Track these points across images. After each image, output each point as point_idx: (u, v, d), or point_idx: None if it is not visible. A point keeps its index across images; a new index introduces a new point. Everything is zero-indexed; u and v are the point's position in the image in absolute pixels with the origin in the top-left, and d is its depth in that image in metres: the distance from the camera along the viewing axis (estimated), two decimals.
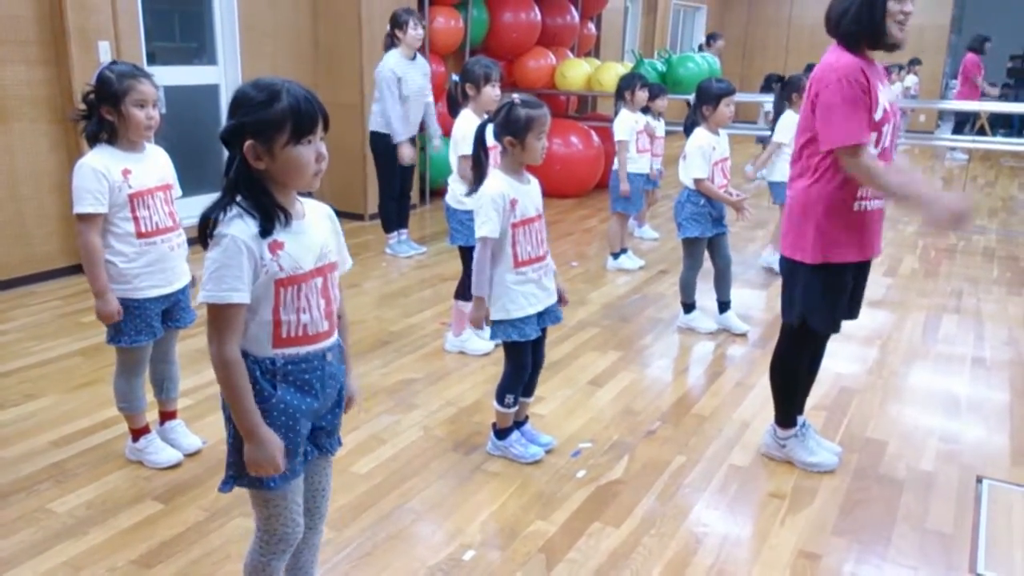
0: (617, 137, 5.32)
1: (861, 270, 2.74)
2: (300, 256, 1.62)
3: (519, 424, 2.94)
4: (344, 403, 1.83)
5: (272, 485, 1.66)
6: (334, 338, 1.73)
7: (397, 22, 5.23)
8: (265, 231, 1.56)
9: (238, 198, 1.56)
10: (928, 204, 2.35)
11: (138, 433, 2.77)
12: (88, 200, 2.43)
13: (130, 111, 2.43)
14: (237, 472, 1.67)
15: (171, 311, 2.68)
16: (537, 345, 2.83)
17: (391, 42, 5.29)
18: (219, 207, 1.57)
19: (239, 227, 1.54)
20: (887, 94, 2.52)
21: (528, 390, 2.92)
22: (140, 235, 2.53)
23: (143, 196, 2.52)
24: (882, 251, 2.75)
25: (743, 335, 4.24)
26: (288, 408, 1.64)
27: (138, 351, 2.65)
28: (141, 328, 2.58)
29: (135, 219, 2.52)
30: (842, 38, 2.51)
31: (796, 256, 2.64)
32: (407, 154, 5.31)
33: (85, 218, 2.45)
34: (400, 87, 5.22)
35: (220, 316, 1.55)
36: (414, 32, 5.21)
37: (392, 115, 5.24)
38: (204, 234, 1.57)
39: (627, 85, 5.39)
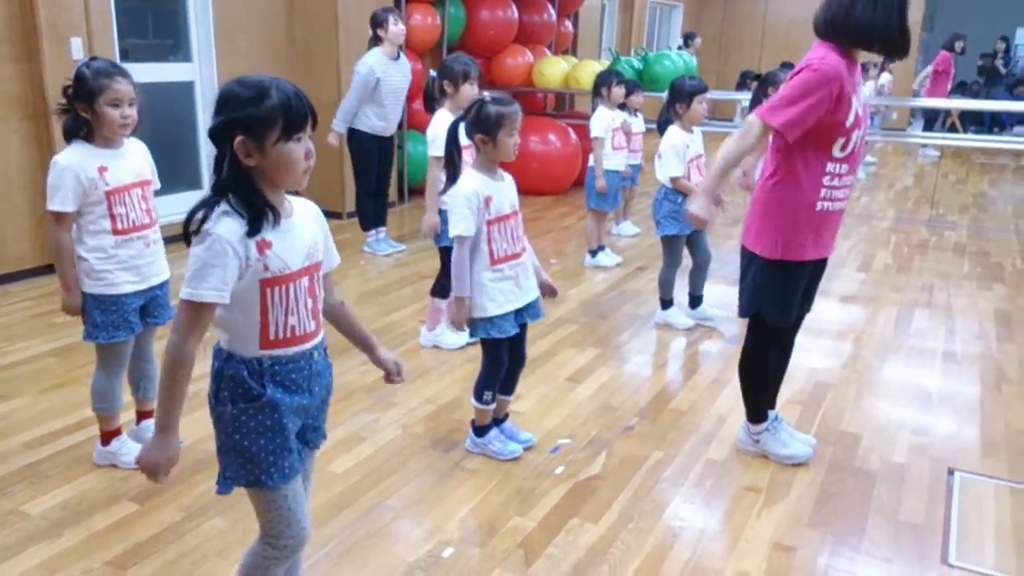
0: (593, 134, 5.34)
1: (817, 266, 2.77)
2: (288, 256, 1.61)
3: (499, 422, 2.95)
4: (329, 398, 1.82)
5: (271, 484, 1.65)
6: (320, 336, 1.73)
7: (377, 21, 5.20)
8: (253, 230, 1.55)
9: (228, 196, 1.55)
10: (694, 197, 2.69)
11: (109, 436, 2.73)
12: (58, 198, 2.42)
13: (104, 110, 2.40)
14: (235, 473, 1.66)
15: (148, 307, 2.65)
16: (518, 343, 2.83)
17: (374, 44, 5.27)
18: (208, 204, 1.55)
19: (226, 226, 1.53)
20: (859, 100, 2.53)
21: (508, 388, 2.92)
22: (116, 232, 2.51)
23: (120, 193, 2.50)
24: (834, 250, 2.79)
25: (720, 325, 4.31)
26: (279, 406, 1.64)
27: (117, 347, 2.62)
28: (118, 323, 2.56)
29: (112, 216, 2.49)
30: (844, 36, 2.45)
31: (756, 249, 2.67)
32: (332, 138, 5.30)
33: (55, 215, 2.44)
34: (379, 87, 5.20)
35: (193, 312, 1.54)
36: (396, 28, 5.19)
37: (346, 107, 5.24)
38: (188, 231, 1.54)
39: (603, 82, 5.41)
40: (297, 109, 1.55)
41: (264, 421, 1.62)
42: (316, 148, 1.66)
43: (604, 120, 5.33)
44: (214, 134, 1.54)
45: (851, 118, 2.48)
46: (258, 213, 1.56)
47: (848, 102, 2.46)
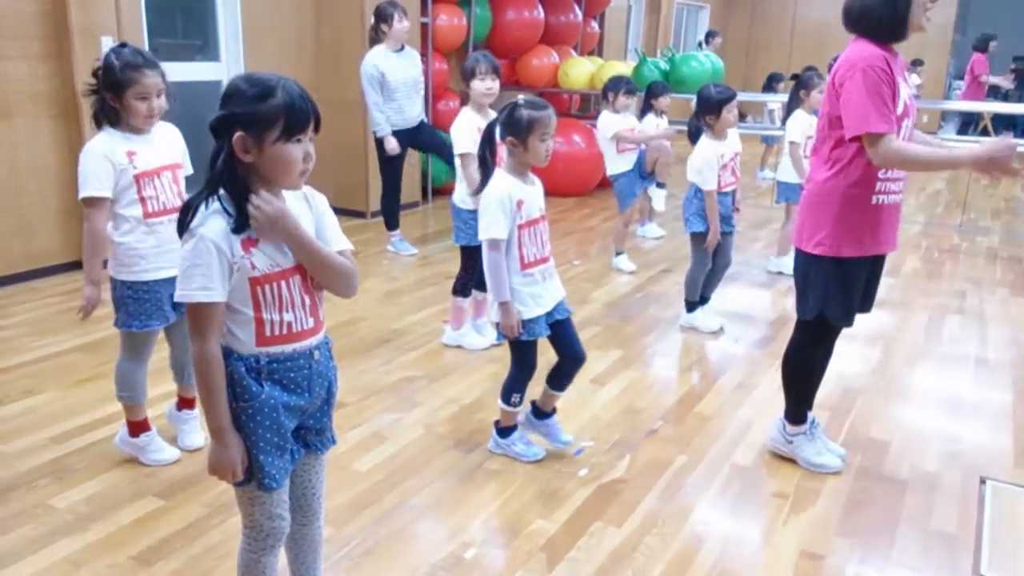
0: (599, 136, 5.31)
1: (876, 264, 2.72)
2: (276, 254, 1.59)
3: (546, 415, 2.91)
4: (333, 401, 1.79)
5: (272, 487, 1.65)
6: (321, 335, 1.71)
7: (382, 16, 5.16)
8: (239, 227, 1.54)
9: (220, 191, 1.55)
10: (970, 160, 2.37)
11: (137, 427, 2.73)
12: (92, 184, 2.42)
13: (131, 103, 2.41)
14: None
15: None
16: (571, 341, 2.78)
17: (375, 36, 5.23)
18: (201, 198, 1.55)
19: (212, 225, 1.53)
20: (907, 89, 2.51)
21: (562, 384, 2.85)
22: (147, 215, 2.51)
23: (149, 176, 2.50)
24: (897, 246, 2.72)
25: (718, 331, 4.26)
26: (277, 405, 1.63)
27: (144, 336, 2.62)
28: (151, 312, 2.56)
29: (142, 200, 2.49)
30: (865, 31, 2.48)
31: (812, 248, 2.62)
32: (391, 146, 5.24)
33: (90, 202, 2.44)
34: (384, 81, 5.17)
35: (193, 314, 1.55)
36: (400, 26, 5.15)
37: (371, 109, 5.21)
38: (183, 224, 1.55)
39: (612, 87, 5.33)
40: (300, 110, 1.54)
41: (263, 421, 1.61)
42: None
43: (607, 125, 5.28)
44: (215, 127, 1.54)
45: (901, 106, 2.46)
46: (245, 210, 1.54)
47: (897, 89, 2.44)
